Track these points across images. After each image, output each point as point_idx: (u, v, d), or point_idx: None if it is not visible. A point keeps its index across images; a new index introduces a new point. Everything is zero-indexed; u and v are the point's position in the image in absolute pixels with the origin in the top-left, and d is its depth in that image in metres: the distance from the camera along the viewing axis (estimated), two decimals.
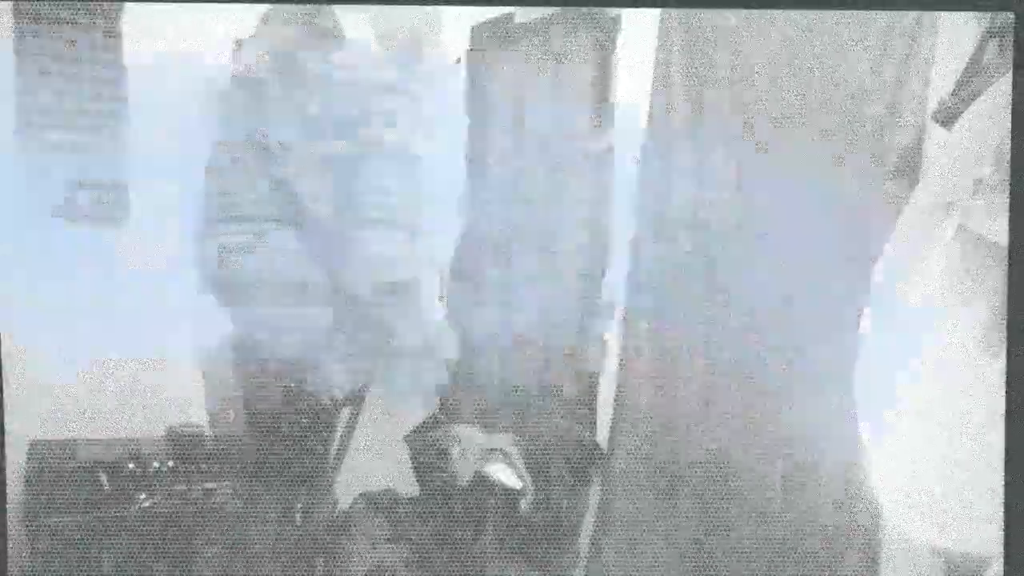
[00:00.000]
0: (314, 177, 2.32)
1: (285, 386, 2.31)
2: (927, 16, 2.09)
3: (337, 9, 2.32)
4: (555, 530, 2.48)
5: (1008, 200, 1.94)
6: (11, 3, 2.18)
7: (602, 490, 2.47)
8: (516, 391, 2.60)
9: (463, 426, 2.51)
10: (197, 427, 2.35)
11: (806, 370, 2.21)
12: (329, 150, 2.34)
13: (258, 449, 2.33)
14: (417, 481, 2.50)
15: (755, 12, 2.22)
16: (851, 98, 2.16)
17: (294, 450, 2.35)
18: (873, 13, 2.12)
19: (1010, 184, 1.94)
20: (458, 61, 2.55)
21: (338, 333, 2.40)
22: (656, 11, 2.36)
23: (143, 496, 2.24)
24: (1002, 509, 1.93)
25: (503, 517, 2.39)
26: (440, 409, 2.61)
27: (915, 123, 2.11)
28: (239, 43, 2.28)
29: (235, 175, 2.25)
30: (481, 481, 2.38)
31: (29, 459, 2.20)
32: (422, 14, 2.32)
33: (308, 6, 2.29)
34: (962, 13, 2.05)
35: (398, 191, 2.39)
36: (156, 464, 2.27)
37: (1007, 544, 1.94)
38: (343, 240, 2.37)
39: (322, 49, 2.33)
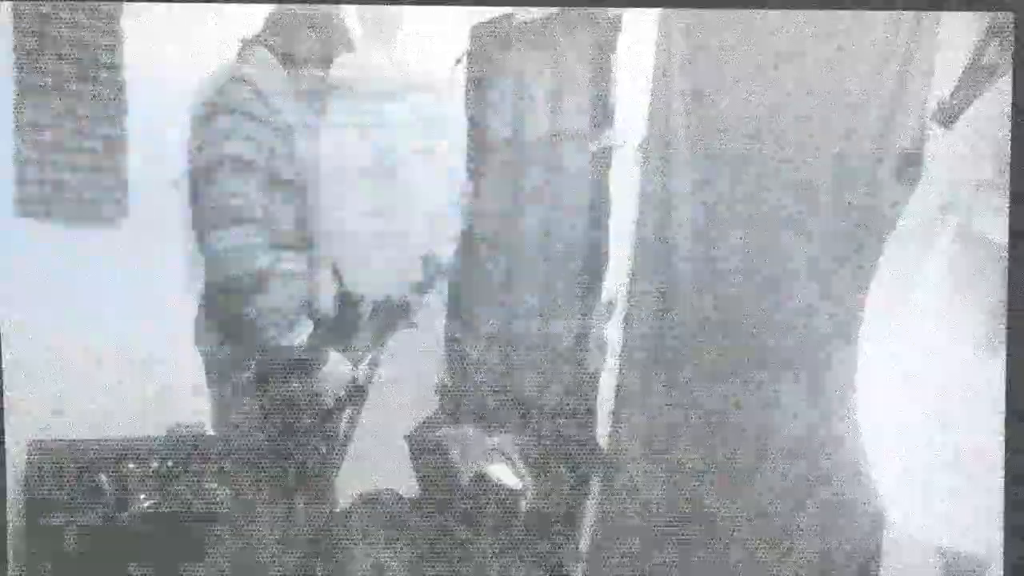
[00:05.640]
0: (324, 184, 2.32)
1: (288, 385, 2.31)
2: (927, 16, 2.09)
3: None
4: (555, 530, 2.48)
5: (1008, 200, 1.93)
6: (11, 3, 2.18)
7: (602, 490, 2.46)
8: (516, 391, 2.60)
9: (463, 426, 2.51)
10: (197, 427, 2.35)
11: (807, 370, 2.21)
12: (336, 156, 2.34)
13: (259, 449, 2.33)
14: (417, 481, 2.50)
15: (755, 12, 2.22)
16: (851, 98, 2.16)
17: (295, 450, 2.35)
18: (873, 13, 2.12)
19: (1010, 184, 1.94)
20: (458, 61, 2.55)
21: (342, 334, 2.40)
22: (656, 11, 2.36)
23: (143, 496, 2.24)
24: (1002, 509, 1.93)
25: (503, 517, 2.39)
26: (440, 409, 2.61)
27: (915, 123, 2.11)
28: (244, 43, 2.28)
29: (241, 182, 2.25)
30: (481, 481, 2.38)
31: (29, 459, 2.20)
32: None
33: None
34: (962, 13, 2.05)
35: (399, 194, 2.39)
36: (156, 464, 2.27)
37: (1007, 544, 1.94)
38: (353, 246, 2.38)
39: (323, 52, 2.33)
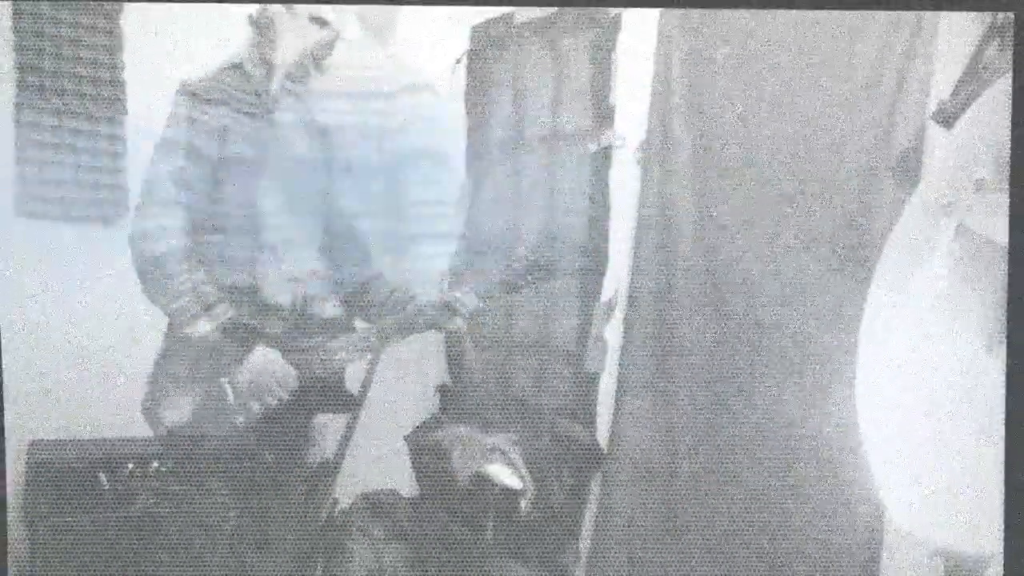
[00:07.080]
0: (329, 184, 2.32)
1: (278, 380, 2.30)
2: (927, 16, 2.09)
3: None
4: (555, 530, 2.48)
5: (1008, 200, 1.93)
6: (11, 3, 2.18)
7: (602, 490, 2.47)
8: (516, 391, 2.60)
9: (463, 426, 2.51)
10: (197, 427, 2.35)
11: (807, 369, 2.21)
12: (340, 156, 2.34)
13: (258, 449, 2.33)
14: (417, 481, 2.50)
15: (755, 12, 2.22)
16: (851, 98, 2.16)
17: (288, 452, 2.33)
18: (873, 13, 2.12)
19: (1010, 184, 1.94)
20: (458, 61, 2.55)
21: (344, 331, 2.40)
22: (656, 11, 2.36)
23: (143, 496, 2.24)
24: (1002, 509, 1.93)
25: (503, 517, 2.39)
26: (440, 409, 2.61)
27: (915, 123, 2.11)
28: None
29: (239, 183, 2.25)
30: (481, 481, 2.38)
31: (29, 459, 2.20)
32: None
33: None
34: (962, 13, 2.05)
35: (399, 194, 2.39)
36: (156, 464, 2.27)
37: (1007, 544, 1.94)
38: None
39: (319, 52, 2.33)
